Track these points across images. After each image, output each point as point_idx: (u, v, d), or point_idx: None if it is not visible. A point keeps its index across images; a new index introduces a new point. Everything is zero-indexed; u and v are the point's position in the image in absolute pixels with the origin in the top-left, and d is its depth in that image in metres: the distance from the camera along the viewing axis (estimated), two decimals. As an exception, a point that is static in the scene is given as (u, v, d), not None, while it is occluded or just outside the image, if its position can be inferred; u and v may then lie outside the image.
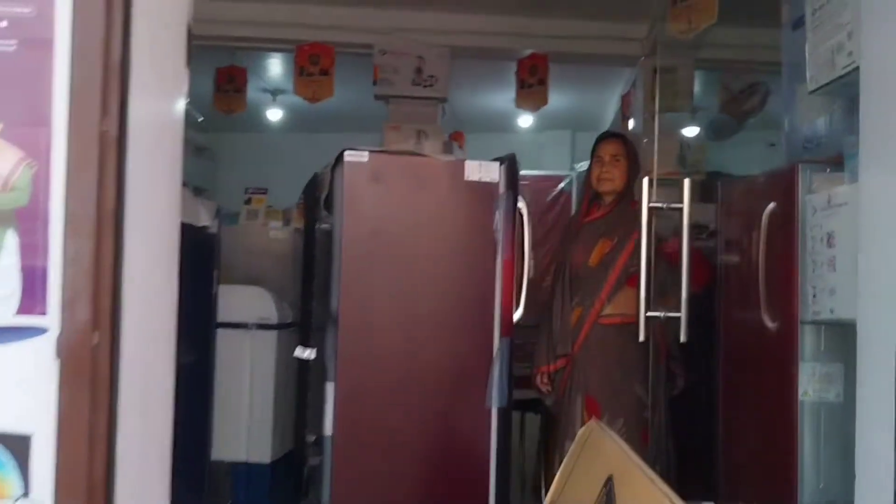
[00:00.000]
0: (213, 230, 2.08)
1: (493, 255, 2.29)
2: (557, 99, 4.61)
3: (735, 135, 4.93)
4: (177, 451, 1.33)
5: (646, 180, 2.25)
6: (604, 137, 2.96)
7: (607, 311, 2.70)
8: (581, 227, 2.88)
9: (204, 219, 2.16)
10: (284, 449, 2.95)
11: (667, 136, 4.49)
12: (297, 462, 2.66)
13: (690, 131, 4.70)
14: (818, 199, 1.69)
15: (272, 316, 2.89)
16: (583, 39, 4.66)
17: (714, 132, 4.80)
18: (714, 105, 4.83)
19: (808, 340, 1.76)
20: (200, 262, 2.18)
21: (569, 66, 5.09)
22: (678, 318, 2.24)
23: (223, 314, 2.88)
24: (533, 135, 7.56)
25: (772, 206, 2.01)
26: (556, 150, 7.60)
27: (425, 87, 4.41)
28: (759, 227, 2.04)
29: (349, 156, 2.22)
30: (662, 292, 2.68)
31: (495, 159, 2.36)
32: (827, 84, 1.73)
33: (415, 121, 4.43)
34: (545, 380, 2.77)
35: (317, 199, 2.28)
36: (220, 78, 5.24)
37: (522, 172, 7.12)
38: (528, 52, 4.65)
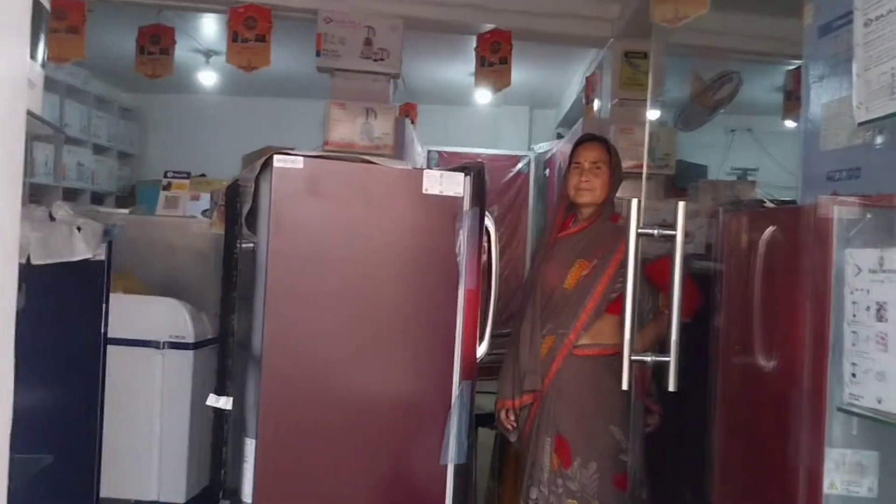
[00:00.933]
0: (101, 256, 1.66)
1: (455, 284, 1.91)
2: (515, 73, 4.24)
3: (703, 125, 4.64)
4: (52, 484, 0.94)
5: (634, 203, 1.89)
6: (584, 141, 2.59)
7: (583, 341, 2.36)
8: (555, 242, 2.52)
9: (81, 250, 1.70)
10: (202, 484, 2.56)
11: (636, 126, 4.16)
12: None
13: (658, 120, 4.37)
14: (865, 257, 1.36)
15: (188, 333, 2.48)
16: (550, 18, 4.27)
17: (683, 122, 4.49)
18: (683, 94, 4.51)
19: (837, 422, 1.45)
20: (81, 300, 1.75)
21: (531, 43, 4.70)
22: (666, 363, 1.90)
23: (131, 331, 2.45)
24: (490, 109, 7.17)
25: (773, 234, 1.70)
26: (513, 127, 7.22)
27: (375, 60, 3.97)
28: (773, 273, 1.71)
29: (280, 161, 1.80)
30: (641, 320, 2.36)
31: (460, 168, 1.98)
32: (884, 118, 1.38)
33: (363, 97, 3.99)
34: (510, 416, 2.43)
35: (237, 211, 1.86)
36: (143, 38, 4.68)
37: (478, 150, 6.74)
38: (490, 27, 4.24)
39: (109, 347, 2.48)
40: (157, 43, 4.72)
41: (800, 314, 1.58)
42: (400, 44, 4.01)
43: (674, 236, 1.89)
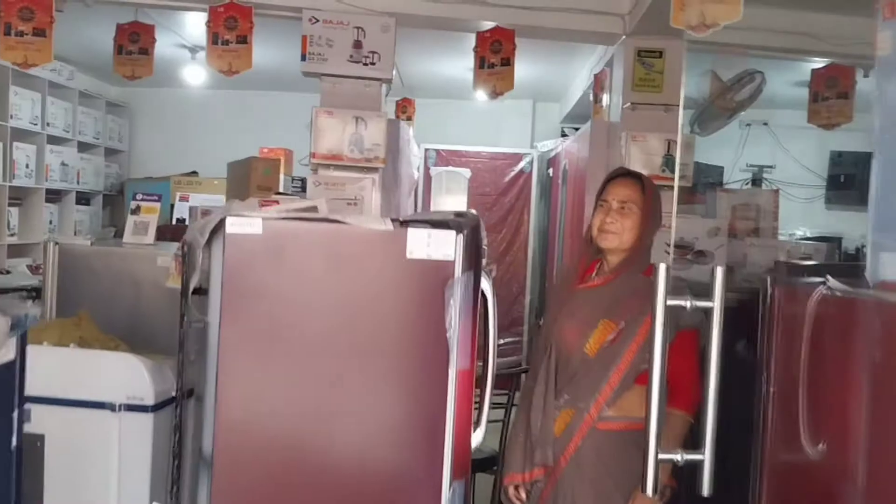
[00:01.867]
0: (8, 357, 1.37)
1: (445, 364, 1.61)
2: (517, 64, 3.92)
3: (722, 128, 4.31)
4: None
5: (662, 268, 1.58)
6: (615, 176, 2.23)
7: (608, 413, 2.03)
8: (575, 293, 2.19)
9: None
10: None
11: (650, 135, 3.83)
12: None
13: (675, 125, 4.03)
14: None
15: (147, 394, 2.18)
16: (555, 13, 3.92)
17: (700, 125, 4.16)
18: (700, 95, 4.17)
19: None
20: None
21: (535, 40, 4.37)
22: (699, 462, 1.60)
23: (82, 391, 2.16)
24: (491, 102, 6.80)
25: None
26: (515, 121, 6.87)
27: (366, 65, 3.64)
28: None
29: (233, 225, 1.49)
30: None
31: (448, 224, 1.66)
32: None
33: (353, 104, 3.66)
34: (521, 492, 2.12)
35: (186, 282, 1.56)
36: (121, 36, 4.35)
37: (478, 149, 6.42)
38: (490, 24, 3.90)
39: (56, 409, 2.19)
40: (136, 41, 4.39)
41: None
42: (392, 45, 3.67)
43: (710, 309, 1.59)
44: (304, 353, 1.54)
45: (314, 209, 2.12)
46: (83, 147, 6.55)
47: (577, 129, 5.87)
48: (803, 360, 1.59)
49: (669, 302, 1.60)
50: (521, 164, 6.33)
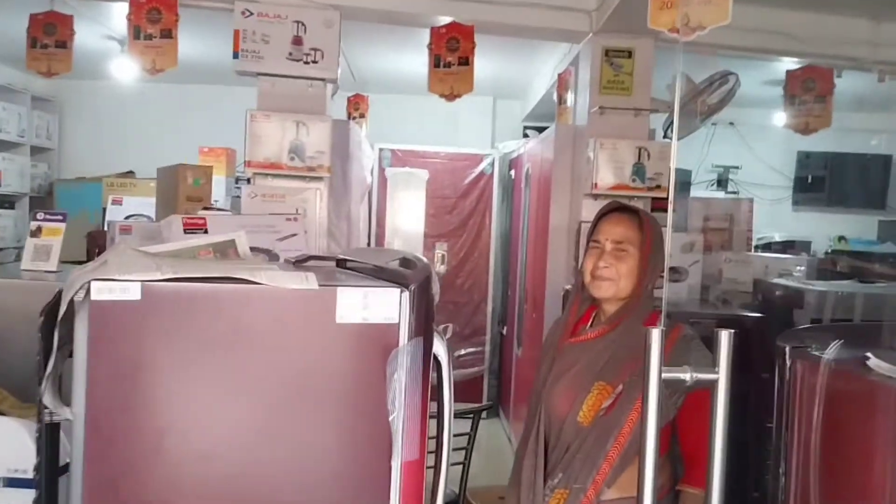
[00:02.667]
0: None
1: (387, 456, 1.27)
2: (476, 60, 3.60)
3: (693, 132, 4.03)
4: None
5: (654, 335, 1.26)
6: (607, 212, 1.89)
7: (608, 496, 1.71)
8: (565, 348, 1.86)
9: None
10: None
11: (620, 142, 3.53)
12: None
13: (645, 130, 3.74)
14: None
15: (30, 466, 1.82)
16: (517, 7, 3.59)
17: (673, 130, 3.87)
18: (669, 97, 3.88)
19: None
20: None
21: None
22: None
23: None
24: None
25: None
26: (475, 120, 6.53)
27: (307, 63, 3.26)
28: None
29: (101, 291, 1.13)
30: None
31: (391, 279, 1.32)
32: None
33: (294, 107, 3.29)
34: None
35: (42, 363, 1.19)
36: (35, 28, 3.90)
37: (436, 149, 6.07)
38: (446, 20, 3.55)
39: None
40: (52, 34, 3.94)
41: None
42: (337, 41, 3.30)
43: (714, 382, 1.27)
44: (197, 460, 1.18)
45: (230, 245, 1.76)
46: (6, 146, 6.04)
47: (540, 129, 5.57)
48: (822, 441, 1.28)
49: (666, 375, 1.28)
50: (482, 166, 6.00)
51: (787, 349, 1.33)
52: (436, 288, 1.36)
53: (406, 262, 1.42)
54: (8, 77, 5.98)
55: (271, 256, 2.99)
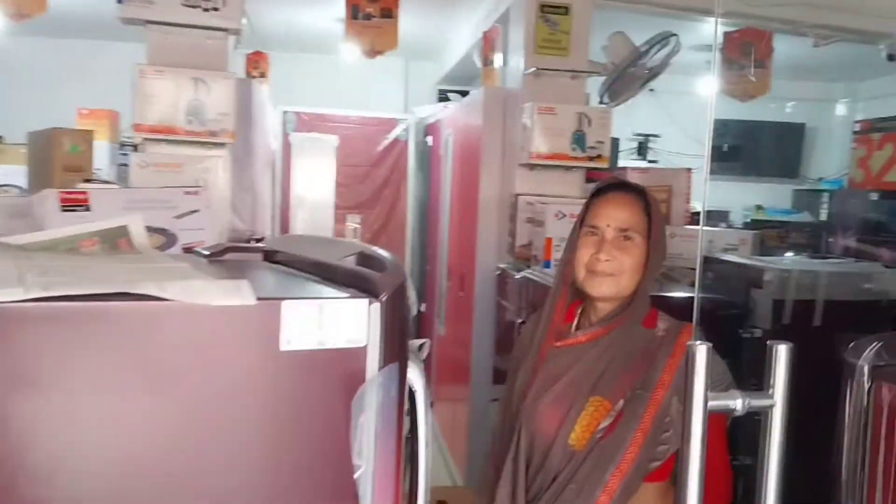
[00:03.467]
0: None
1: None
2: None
3: (633, 97, 3.79)
4: None
5: (701, 352, 0.96)
6: (605, 190, 1.53)
7: None
8: (549, 354, 1.51)
9: None
10: None
11: (560, 106, 3.24)
12: None
13: (582, 95, 3.46)
14: None
15: None
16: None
17: (611, 94, 3.62)
18: (610, 60, 3.62)
19: None
20: None
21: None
22: None
23: None
24: (358, 59, 6.02)
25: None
26: (386, 83, 6.12)
27: (206, 10, 2.79)
28: None
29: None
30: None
31: (356, 281, 0.96)
32: None
33: (189, 62, 2.81)
34: None
35: None
36: None
37: (346, 112, 5.64)
38: (367, -36, 3.15)
39: None
40: None
41: None
42: (242, -16, 2.84)
43: (769, 409, 0.99)
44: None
45: (121, 234, 1.34)
46: None
47: (459, 92, 5.23)
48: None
49: (712, 404, 0.99)
50: (396, 132, 5.61)
51: (866, 369, 1.06)
52: (412, 296, 1.01)
53: (367, 259, 1.07)
54: None
55: (168, 237, 2.54)
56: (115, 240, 1.30)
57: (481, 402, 3.67)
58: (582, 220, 1.52)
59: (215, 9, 2.77)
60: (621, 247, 1.47)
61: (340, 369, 0.92)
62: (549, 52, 3.36)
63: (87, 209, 2.32)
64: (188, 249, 2.47)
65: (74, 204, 2.30)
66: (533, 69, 3.30)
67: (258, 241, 3.38)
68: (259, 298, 0.86)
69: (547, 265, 2.94)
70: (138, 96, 2.73)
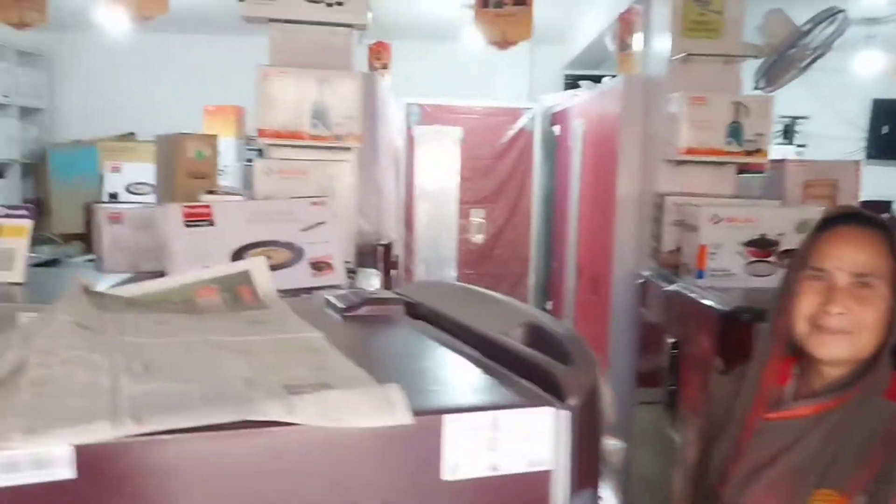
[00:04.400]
0: None
1: None
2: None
3: (792, 80, 3.37)
4: None
5: None
6: (836, 221, 1.22)
7: None
8: (755, 425, 1.22)
9: None
10: None
11: (712, 94, 2.90)
12: None
13: (736, 82, 3.09)
14: None
15: None
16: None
17: (768, 79, 3.22)
18: (768, 41, 3.22)
19: None
20: None
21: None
22: None
23: None
24: (480, 47, 5.80)
25: None
26: (510, 70, 5.85)
27: (329, 5, 2.63)
28: None
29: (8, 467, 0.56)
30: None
31: (536, 379, 0.73)
32: None
33: (315, 61, 2.67)
34: None
35: None
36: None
37: (470, 103, 5.42)
38: (499, -53, 2.90)
39: None
40: (24, -23, 3.34)
41: None
42: (366, -24, 2.66)
43: None
44: None
45: (243, 279, 1.17)
46: (-8, 108, 5.46)
47: (589, 78, 4.91)
48: None
49: None
50: (522, 121, 5.35)
51: None
52: (607, 397, 0.77)
53: (541, 336, 0.83)
54: (-9, 31, 5.35)
55: (294, 252, 2.40)
56: (235, 287, 1.13)
57: (620, 406, 3.40)
58: (804, 259, 1.22)
59: (339, 3, 2.60)
60: (858, 297, 1.16)
61: (520, 501, 0.69)
62: (699, 35, 3.01)
63: (211, 224, 2.23)
64: (316, 264, 2.34)
65: (197, 219, 2.21)
66: (682, 54, 2.96)
67: (386, 247, 3.24)
68: (416, 413, 0.65)
69: (700, 275, 2.62)
70: (261, 99, 2.61)
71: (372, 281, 2.90)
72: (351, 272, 2.62)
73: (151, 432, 0.57)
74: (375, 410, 0.63)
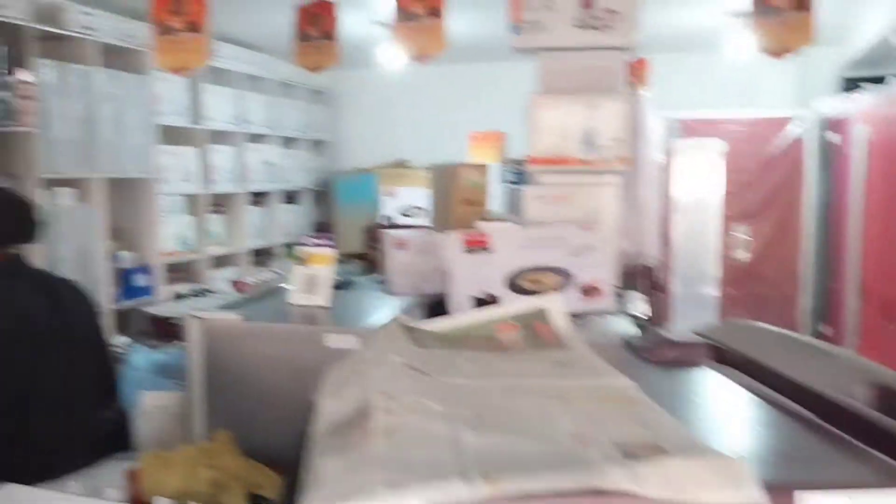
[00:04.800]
0: None
1: None
2: None
3: None
4: None
5: None
6: None
7: None
8: None
9: None
10: None
11: None
12: None
13: None
14: None
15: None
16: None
17: None
18: None
19: None
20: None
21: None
22: None
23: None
24: (741, 56, 5.47)
25: None
26: (774, 76, 5.45)
27: (596, 28, 2.63)
28: None
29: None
30: None
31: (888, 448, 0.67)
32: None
33: (581, 86, 2.69)
34: None
35: None
36: (303, 21, 3.72)
37: (731, 115, 5.15)
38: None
39: None
40: (316, 24, 3.74)
41: None
42: (635, -4, 2.63)
43: None
44: None
45: (539, 316, 1.20)
46: (287, 142, 6.15)
47: (872, 80, 4.43)
48: None
49: None
50: (791, 130, 4.96)
51: None
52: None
53: (893, 399, 0.76)
54: (287, 73, 6.04)
55: (564, 277, 2.42)
56: (532, 323, 1.17)
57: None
58: None
59: (608, 26, 2.60)
60: None
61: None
62: None
63: (488, 250, 2.33)
64: (585, 289, 2.35)
65: (476, 246, 2.32)
66: None
67: (647, 269, 3.17)
68: (765, 487, 0.62)
69: None
70: (531, 127, 2.68)
71: (638, 305, 2.86)
72: (617, 295, 2.59)
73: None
74: (721, 484, 0.62)
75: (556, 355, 1.05)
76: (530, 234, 2.40)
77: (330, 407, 0.84)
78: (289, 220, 6.16)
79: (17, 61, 3.38)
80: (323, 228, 6.21)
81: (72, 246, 3.66)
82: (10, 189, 2.43)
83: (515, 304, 1.21)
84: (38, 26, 3.59)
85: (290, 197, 6.23)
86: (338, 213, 6.26)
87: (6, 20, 3.40)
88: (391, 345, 0.98)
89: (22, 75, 3.34)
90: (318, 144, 6.65)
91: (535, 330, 1.15)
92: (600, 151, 2.64)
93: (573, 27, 2.61)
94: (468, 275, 2.26)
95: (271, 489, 1.65)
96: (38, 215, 2.21)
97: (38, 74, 3.48)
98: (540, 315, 1.18)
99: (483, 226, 2.46)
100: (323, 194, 6.56)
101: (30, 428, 2.16)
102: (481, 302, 2.25)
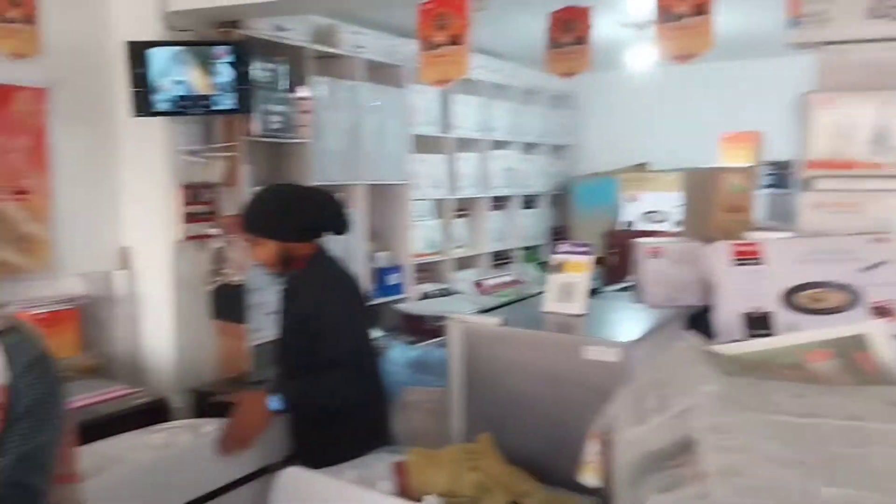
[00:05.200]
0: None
1: None
2: None
3: None
4: None
5: None
6: None
7: None
8: None
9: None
10: None
11: None
12: None
13: None
14: None
15: None
16: None
17: None
18: None
19: None
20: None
21: None
22: None
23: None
24: None
25: None
26: None
27: (893, 17, 2.34)
28: None
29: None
30: None
31: None
32: None
33: (869, 83, 2.40)
34: None
35: None
36: (556, 28, 3.71)
37: None
38: None
39: None
40: (570, 31, 3.72)
41: None
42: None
43: None
44: None
45: (858, 343, 1.06)
46: (527, 147, 6.21)
47: None
48: None
49: None
50: None
51: None
52: None
53: None
54: (529, 80, 6.10)
55: (852, 295, 2.17)
56: (851, 353, 1.04)
57: None
58: None
59: (906, 14, 2.30)
60: None
61: None
62: None
63: (758, 262, 2.16)
64: (879, 309, 2.09)
65: (746, 257, 2.16)
66: None
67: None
68: None
69: None
70: (809, 128, 2.44)
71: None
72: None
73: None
74: None
75: (890, 394, 0.91)
76: (809, 245, 2.18)
77: (637, 434, 0.80)
78: (527, 225, 6.21)
79: (297, 79, 3.73)
80: (560, 233, 6.19)
81: (339, 246, 3.96)
82: (323, 189, 2.64)
83: (825, 329, 1.08)
84: (317, 47, 3.95)
85: (529, 201, 6.28)
86: (575, 217, 6.21)
87: (290, 42, 3.78)
88: (694, 369, 0.91)
89: (301, 91, 3.68)
90: (557, 149, 6.64)
91: (853, 360, 1.02)
92: (893, 154, 2.34)
93: (864, 18, 2.33)
94: (737, 289, 2.10)
95: (535, 499, 1.64)
96: (345, 209, 2.40)
97: (313, 90, 3.82)
98: (858, 342, 1.04)
99: (754, 235, 2.28)
100: (560, 198, 6.54)
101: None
102: (752, 319, 2.08)
